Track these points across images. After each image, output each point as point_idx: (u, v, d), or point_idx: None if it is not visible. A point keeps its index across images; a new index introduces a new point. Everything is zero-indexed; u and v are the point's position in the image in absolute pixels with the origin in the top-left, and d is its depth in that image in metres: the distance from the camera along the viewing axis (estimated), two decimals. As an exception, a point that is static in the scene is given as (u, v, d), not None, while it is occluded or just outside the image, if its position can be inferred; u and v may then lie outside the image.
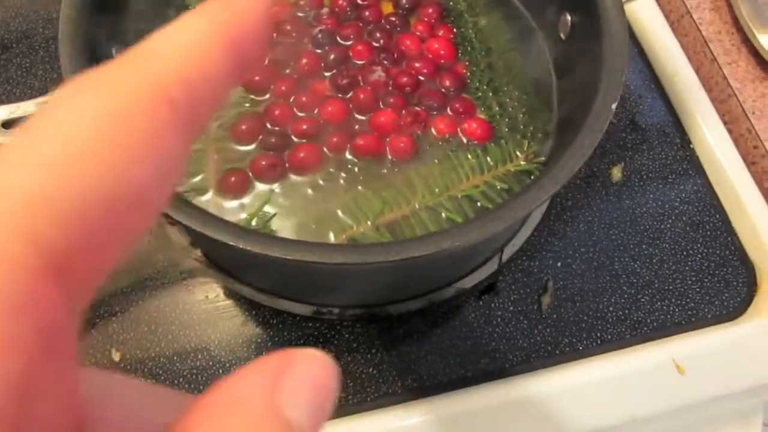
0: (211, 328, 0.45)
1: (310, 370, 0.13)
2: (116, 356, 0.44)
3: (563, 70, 0.45)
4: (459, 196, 0.42)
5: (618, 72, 0.36)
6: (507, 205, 0.32)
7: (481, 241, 0.31)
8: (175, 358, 0.44)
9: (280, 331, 0.46)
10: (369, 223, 0.41)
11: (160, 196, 0.13)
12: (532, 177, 0.42)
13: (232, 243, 0.30)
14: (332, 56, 0.45)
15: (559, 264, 0.49)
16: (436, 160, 0.43)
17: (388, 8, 0.49)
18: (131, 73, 0.13)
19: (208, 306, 0.46)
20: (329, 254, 0.30)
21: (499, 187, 0.42)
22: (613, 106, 0.35)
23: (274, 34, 0.47)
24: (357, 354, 0.45)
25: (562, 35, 0.44)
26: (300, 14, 0.48)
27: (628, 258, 0.49)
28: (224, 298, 0.46)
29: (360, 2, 0.48)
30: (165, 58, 0.13)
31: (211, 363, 0.44)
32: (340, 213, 0.41)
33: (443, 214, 0.41)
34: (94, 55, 0.37)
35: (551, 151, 0.42)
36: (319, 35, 0.46)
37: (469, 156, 0.43)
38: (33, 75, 0.54)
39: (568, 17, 0.43)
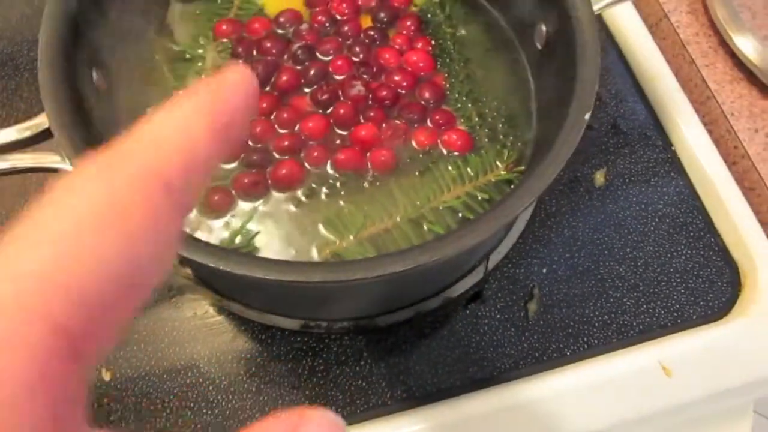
0: (200, 345, 0.46)
1: (322, 428, 0.14)
2: (107, 376, 0.45)
3: (541, 79, 0.45)
4: (441, 208, 0.42)
5: (590, 83, 0.36)
6: (483, 218, 0.32)
7: (459, 253, 0.31)
8: (165, 376, 0.45)
9: (269, 345, 0.46)
10: (352, 237, 0.41)
11: (159, 272, 0.14)
12: (512, 186, 0.43)
13: (212, 265, 0.30)
14: (312, 72, 0.46)
15: (544, 270, 0.49)
16: (417, 173, 0.43)
17: (366, 22, 0.49)
18: (129, 162, 0.14)
19: (197, 323, 0.46)
20: (308, 273, 0.30)
21: (480, 198, 0.42)
22: (586, 117, 0.35)
23: (255, 51, 0.47)
24: (345, 366, 0.45)
25: (538, 45, 0.45)
26: (279, 31, 0.48)
27: (613, 262, 0.50)
28: (213, 315, 0.47)
29: (339, 17, 0.49)
30: (158, 146, 0.14)
31: (201, 380, 0.45)
32: (322, 228, 0.41)
33: (425, 226, 0.42)
34: (74, 79, 0.38)
35: (530, 160, 0.43)
36: (299, 51, 0.46)
37: (450, 167, 0.44)
38: (18, 97, 0.54)
39: (543, 27, 0.44)
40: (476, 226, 0.32)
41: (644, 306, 0.48)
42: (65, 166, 0.34)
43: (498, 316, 0.47)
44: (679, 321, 0.48)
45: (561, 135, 0.35)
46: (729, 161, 0.52)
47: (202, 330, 0.46)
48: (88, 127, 0.37)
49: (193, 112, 0.15)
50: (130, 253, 0.13)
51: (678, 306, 0.48)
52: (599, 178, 0.53)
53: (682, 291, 0.49)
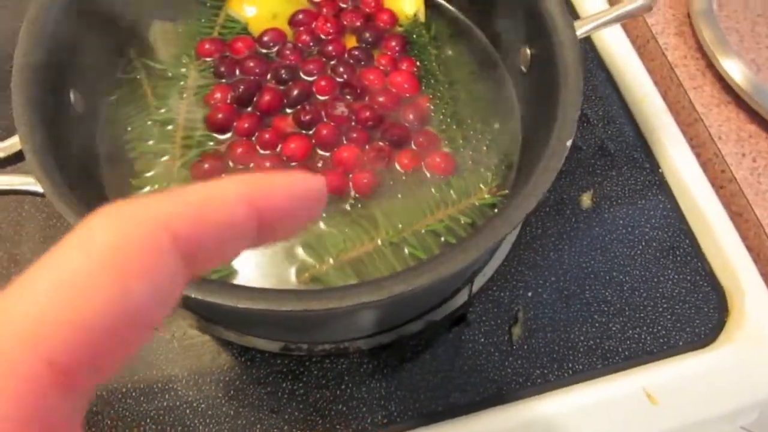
0: (178, 367, 0.45)
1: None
2: (82, 399, 0.44)
3: (525, 102, 0.45)
4: (423, 231, 0.42)
5: (572, 108, 0.36)
6: (462, 246, 0.32)
7: (435, 283, 0.31)
8: (141, 398, 0.44)
9: (249, 368, 0.45)
10: (332, 260, 0.40)
11: (156, 317, 0.14)
12: (496, 210, 0.42)
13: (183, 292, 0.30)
14: (295, 92, 0.45)
15: (529, 294, 0.48)
16: (399, 195, 0.43)
17: (351, 42, 0.49)
18: (139, 208, 0.14)
19: (175, 344, 0.46)
20: (279, 302, 0.30)
21: (463, 222, 0.42)
22: (568, 143, 0.35)
23: (237, 71, 0.47)
24: (326, 390, 0.45)
25: (522, 68, 0.45)
26: (263, 50, 0.48)
27: (599, 286, 0.49)
28: (191, 336, 0.46)
29: (323, 37, 0.48)
30: (177, 198, 0.14)
31: (178, 403, 0.44)
32: (302, 251, 0.41)
33: (407, 250, 0.41)
34: (50, 102, 0.37)
35: (513, 184, 0.42)
36: (282, 71, 0.46)
37: (433, 190, 0.43)
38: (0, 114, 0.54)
39: (528, 50, 0.43)
40: (454, 255, 0.31)
41: (630, 331, 0.47)
42: (38, 188, 0.34)
43: (482, 339, 0.47)
44: (665, 347, 0.47)
45: (542, 162, 0.35)
46: (716, 185, 0.52)
47: (180, 351, 0.46)
48: (63, 151, 0.37)
49: (233, 185, 0.15)
50: (127, 297, 0.13)
51: (664, 332, 0.48)
52: (586, 200, 0.52)
53: (669, 316, 0.48)
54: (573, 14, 0.60)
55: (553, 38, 0.39)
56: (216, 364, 0.45)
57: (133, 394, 0.44)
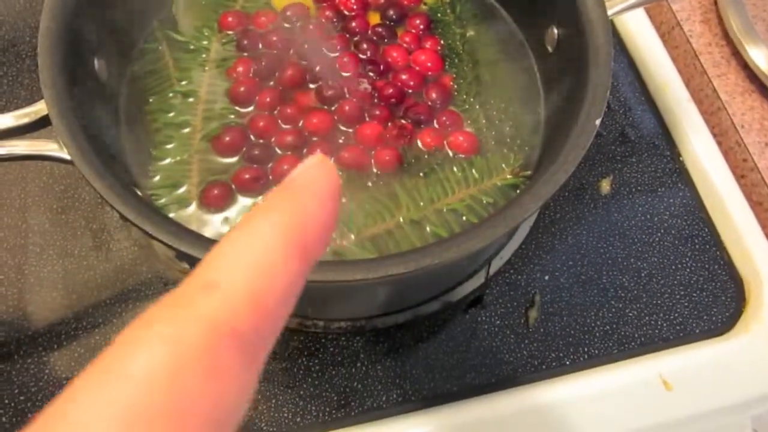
0: (194, 341, 0.45)
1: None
2: (98, 368, 0.44)
3: (550, 83, 0.44)
4: (444, 210, 0.41)
5: (602, 87, 0.35)
6: (488, 223, 0.32)
7: (462, 258, 0.30)
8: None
9: (264, 344, 0.45)
10: (353, 236, 0.40)
11: (237, 413, 0.13)
12: (518, 191, 0.42)
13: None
14: (318, 67, 0.45)
15: (546, 277, 0.48)
16: (421, 174, 0.43)
17: (375, 19, 0.48)
18: (193, 313, 0.13)
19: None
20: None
21: (484, 201, 0.42)
22: (597, 122, 0.34)
23: (260, 45, 0.46)
24: (341, 368, 0.45)
25: (549, 48, 0.44)
26: (286, 25, 0.48)
27: (616, 272, 0.49)
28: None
29: (347, 13, 0.48)
30: (230, 290, 0.14)
31: (193, 376, 0.44)
32: (323, 226, 0.41)
33: (428, 228, 0.41)
34: (74, 67, 0.37)
35: (537, 165, 0.42)
36: (305, 46, 0.46)
37: (455, 169, 0.43)
38: (19, 84, 0.53)
39: (555, 30, 0.43)
40: (480, 231, 0.31)
41: (646, 318, 0.47)
42: (63, 154, 0.33)
43: (498, 322, 0.47)
44: (681, 335, 0.47)
45: (570, 140, 0.34)
46: (737, 174, 0.52)
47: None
48: (88, 116, 0.36)
49: (274, 235, 0.14)
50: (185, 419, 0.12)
51: (681, 319, 0.47)
52: (605, 186, 0.52)
53: (686, 304, 0.48)
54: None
55: (583, 16, 0.38)
56: (232, 338, 0.45)
57: (149, 365, 0.44)
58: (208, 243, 0.31)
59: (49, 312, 0.46)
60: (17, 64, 0.54)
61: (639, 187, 0.52)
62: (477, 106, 0.45)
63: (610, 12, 0.40)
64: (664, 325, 0.47)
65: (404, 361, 0.45)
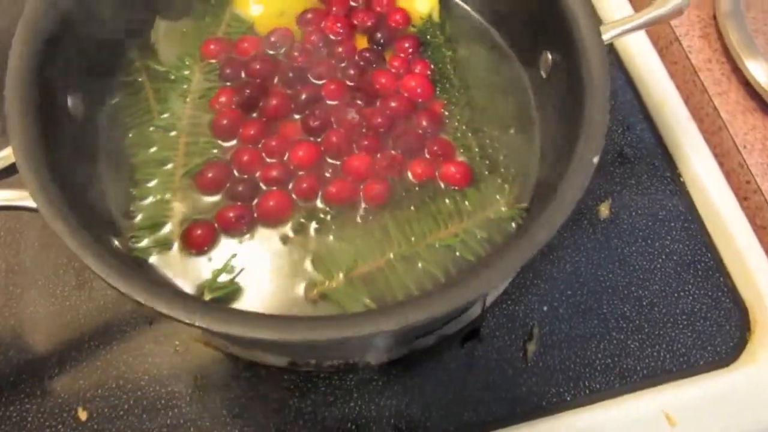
0: (182, 383, 0.43)
1: None
2: (83, 415, 0.42)
3: (545, 109, 0.43)
4: (437, 245, 0.40)
5: (599, 122, 0.34)
6: (482, 271, 0.30)
7: (454, 310, 0.29)
8: (144, 416, 0.42)
9: (255, 384, 0.44)
10: (342, 275, 0.39)
11: None
12: (513, 224, 0.40)
13: (187, 321, 0.28)
14: (303, 96, 0.43)
15: (545, 308, 0.47)
16: (412, 207, 0.41)
17: (362, 42, 0.47)
18: None
19: (177, 358, 0.44)
20: (289, 331, 0.28)
21: (479, 236, 0.40)
22: (595, 160, 0.33)
23: (243, 74, 0.45)
24: (334, 408, 0.43)
25: (543, 74, 0.42)
26: (270, 51, 0.46)
27: (616, 301, 0.47)
28: (195, 350, 0.44)
29: (333, 37, 0.46)
30: None
31: (182, 420, 0.42)
32: (311, 266, 0.39)
33: (420, 265, 0.39)
34: (47, 108, 0.35)
35: (532, 198, 0.40)
36: (290, 74, 0.44)
37: (447, 201, 0.41)
38: None
39: (549, 56, 0.41)
40: (473, 281, 0.30)
41: (649, 349, 0.46)
42: (31, 203, 0.32)
43: (495, 356, 0.45)
44: (684, 366, 0.45)
45: (566, 178, 0.33)
46: (740, 196, 0.50)
47: (184, 366, 0.44)
48: (62, 159, 0.35)
49: None
50: None
51: (684, 350, 0.46)
52: (604, 210, 0.50)
53: (689, 334, 0.46)
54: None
55: (577, 44, 0.37)
56: (221, 379, 0.43)
57: (135, 410, 0.42)
58: (184, 301, 0.29)
59: (30, 355, 0.44)
60: None
61: (639, 211, 0.51)
62: (469, 134, 0.43)
63: (606, 36, 0.39)
64: (667, 356, 0.46)
65: (399, 399, 0.43)
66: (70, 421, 0.42)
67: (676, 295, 0.48)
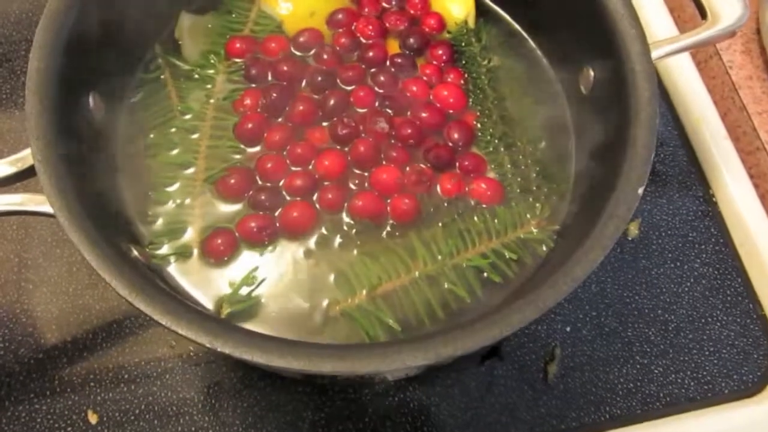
0: (194, 390, 0.43)
1: None
2: (93, 419, 0.42)
3: (583, 127, 0.41)
4: (464, 265, 0.38)
5: (645, 149, 0.32)
6: (516, 308, 0.29)
7: (483, 347, 0.28)
8: (155, 422, 0.42)
9: (269, 394, 0.43)
10: (364, 292, 0.37)
11: None
12: (544, 246, 0.39)
13: (208, 345, 0.27)
14: (331, 102, 0.42)
15: (568, 329, 0.45)
16: (440, 224, 0.40)
17: (394, 47, 0.45)
18: None
19: (192, 365, 0.43)
20: (316, 361, 0.27)
21: (507, 257, 0.39)
22: (640, 191, 0.31)
23: (270, 75, 0.43)
24: (349, 422, 0.42)
25: (583, 90, 0.41)
26: (298, 53, 0.44)
27: (642, 324, 0.46)
28: (210, 357, 0.43)
29: (363, 41, 0.45)
30: None
31: (194, 429, 0.42)
32: (333, 281, 0.38)
33: (445, 285, 0.38)
34: (67, 110, 0.34)
35: (566, 222, 0.39)
36: (318, 78, 0.42)
37: (476, 219, 0.40)
38: (13, 103, 0.50)
39: (591, 72, 0.39)
40: (505, 318, 0.28)
41: (672, 375, 0.45)
42: (48, 209, 0.30)
43: (515, 375, 0.44)
44: (709, 394, 0.44)
45: (608, 208, 0.32)
46: (775, 220, 0.48)
47: (197, 372, 0.43)
48: (81, 162, 0.34)
49: None
50: None
51: (709, 377, 0.45)
52: (632, 229, 0.49)
53: (715, 361, 0.45)
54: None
55: (625, 64, 0.35)
56: (234, 388, 0.43)
57: (147, 416, 0.42)
58: (207, 324, 0.28)
59: (41, 354, 0.43)
60: (11, 81, 0.51)
61: (669, 231, 0.49)
62: (502, 149, 0.42)
63: (654, 55, 0.37)
64: (691, 383, 0.45)
65: (415, 417, 0.42)
66: (80, 424, 0.41)
67: (703, 320, 0.46)
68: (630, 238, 0.49)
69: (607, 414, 0.43)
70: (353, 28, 0.45)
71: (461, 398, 0.43)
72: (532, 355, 0.45)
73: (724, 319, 0.47)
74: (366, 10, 0.45)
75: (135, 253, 0.34)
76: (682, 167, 0.51)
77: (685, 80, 0.53)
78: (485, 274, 0.38)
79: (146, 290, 0.28)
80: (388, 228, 0.39)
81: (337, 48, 0.44)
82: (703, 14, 0.37)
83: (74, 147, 0.34)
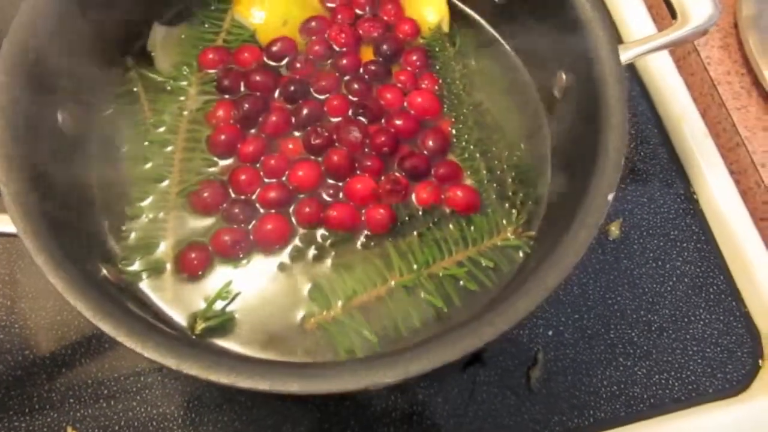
0: (174, 405, 0.42)
1: None
2: (72, 436, 0.41)
3: (558, 132, 0.41)
4: (440, 275, 0.38)
5: (615, 155, 0.32)
6: (489, 318, 0.29)
7: (459, 359, 0.27)
8: (135, 438, 0.41)
9: (249, 408, 0.42)
10: (340, 305, 0.37)
11: None
12: (521, 252, 0.39)
13: (174, 368, 0.27)
14: (305, 112, 0.41)
15: (550, 333, 0.45)
16: (415, 233, 0.39)
17: (368, 54, 0.45)
18: None
19: (171, 379, 0.43)
20: (284, 381, 0.27)
21: (484, 264, 0.38)
22: (610, 198, 0.31)
23: (242, 86, 0.43)
24: (330, 435, 0.42)
25: (556, 93, 0.40)
26: (271, 63, 0.44)
27: (624, 325, 0.46)
28: (190, 369, 0.43)
29: (337, 48, 0.44)
30: None
31: (174, 444, 0.41)
32: (308, 294, 0.37)
33: (422, 295, 0.38)
34: (35, 126, 0.34)
35: (540, 226, 0.39)
36: (292, 87, 0.42)
37: (452, 227, 0.39)
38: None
39: (564, 76, 0.39)
40: (480, 328, 0.28)
41: (656, 377, 0.44)
42: (11, 229, 0.30)
43: (498, 381, 0.44)
44: (693, 395, 0.44)
45: (578, 216, 0.31)
46: (757, 216, 0.48)
47: (178, 387, 0.43)
48: (50, 181, 0.33)
49: None
50: None
51: (693, 378, 0.45)
52: (614, 229, 0.48)
53: (699, 361, 0.45)
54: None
55: (595, 67, 0.35)
56: (214, 402, 0.42)
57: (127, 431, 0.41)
58: (173, 344, 0.28)
59: (20, 371, 0.43)
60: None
61: (650, 231, 0.49)
62: (477, 155, 0.41)
63: (624, 57, 0.36)
64: (676, 384, 0.44)
65: (397, 427, 0.42)
66: (59, 442, 0.41)
67: (686, 319, 0.46)
68: (611, 239, 0.48)
69: (591, 418, 0.43)
70: (326, 36, 0.44)
71: (444, 406, 0.43)
72: (515, 360, 0.44)
73: (708, 318, 0.46)
74: (339, 17, 0.45)
75: (104, 272, 0.34)
76: (662, 165, 0.51)
77: (664, 78, 0.53)
78: (462, 283, 0.38)
79: (112, 312, 0.28)
80: (363, 238, 0.39)
81: (311, 56, 0.44)
82: (674, 14, 0.37)
83: (43, 164, 0.33)
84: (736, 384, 0.45)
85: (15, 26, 0.35)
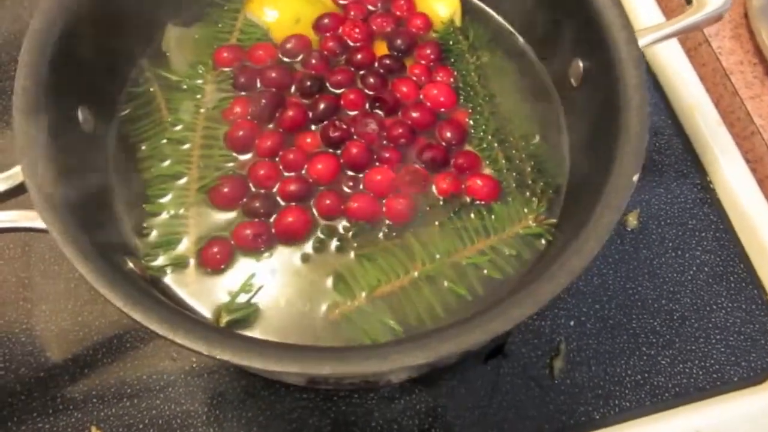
0: (197, 402, 0.42)
1: None
2: (96, 435, 0.41)
3: (575, 120, 0.41)
4: (463, 263, 0.38)
5: (637, 136, 0.32)
6: (514, 301, 0.29)
7: (484, 342, 0.27)
8: (159, 436, 0.41)
9: (273, 403, 0.42)
10: (364, 295, 0.37)
11: None
12: (543, 240, 0.39)
13: (206, 353, 0.26)
14: (321, 106, 0.41)
15: (572, 323, 0.45)
16: (436, 223, 0.39)
17: (381, 49, 0.45)
18: None
19: (194, 377, 0.43)
20: (316, 364, 0.27)
21: (507, 253, 0.38)
22: (635, 178, 0.31)
23: (258, 82, 0.43)
24: (355, 428, 0.42)
25: (573, 82, 0.41)
26: (286, 59, 0.44)
27: (646, 315, 0.46)
28: (212, 368, 0.43)
29: (351, 44, 0.44)
30: None
31: (197, 440, 0.41)
32: (332, 285, 0.37)
33: (445, 284, 0.38)
34: (56, 125, 0.34)
35: (562, 214, 0.38)
36: (307, 83, 0.42)
37: (473, 216, 0.39)
38: (5, 122, 0.50)
39: (580, 63, 0.39)
40: (505, 311, 0.28)
41: (680, 366, 0.44)
42: (42, 224, 0.30)
43: (521, 373, 0.44)
44: (718, 383, 0.44)
45: (602, 199, 0.31)
46: (774, 204, 0.48)
47: (200, 384, 0.43)
48: (71, 178, 0.33)
49: None
50: None
51: (717, 366, 0.44)
52: (632, 220, 0.48)
53: (722, 349, 0.45)
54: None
55: (613, 53, 0.35)
56: (238, 398, 0.42)
57: (151, 430, 0.41)
58: (204, 332, 0.28)
59: (42, 373, 0.43)
60: (3, 101, 0.51)
61: (668, 220, 0.49)
62: (495, 145, 0.42)
63: (641, 42, 0.37)
64: (700, 373, 0.44)
65: (422, 420, 0.42)
66: (83, 442, 0.41)
67: (708, 308, 0.46)
68: (629, 229, 0.48)
69: (616, 407, 0.43)
70: (340, 32, 0.45)
71: (467, 398, 0.43)
72: (537, 352, 0.44)
73: (729, 306, 0.46)
74: (352, 13, 0.45)
75: (130, 265, 0.34)
76: (677, 156, 0.51)
77: (676, 69, 0.53)
78: (485, 271, 0.38)
79: (141, 301, 0.28)
80: (385, 229, 0.39)
81: (325, 52, 0.44)
82: (689, 0, 0.37)
83: (65, 162, 0.34)
84: (760, 372, 0.44)
85: (31, 32, 0.35)
